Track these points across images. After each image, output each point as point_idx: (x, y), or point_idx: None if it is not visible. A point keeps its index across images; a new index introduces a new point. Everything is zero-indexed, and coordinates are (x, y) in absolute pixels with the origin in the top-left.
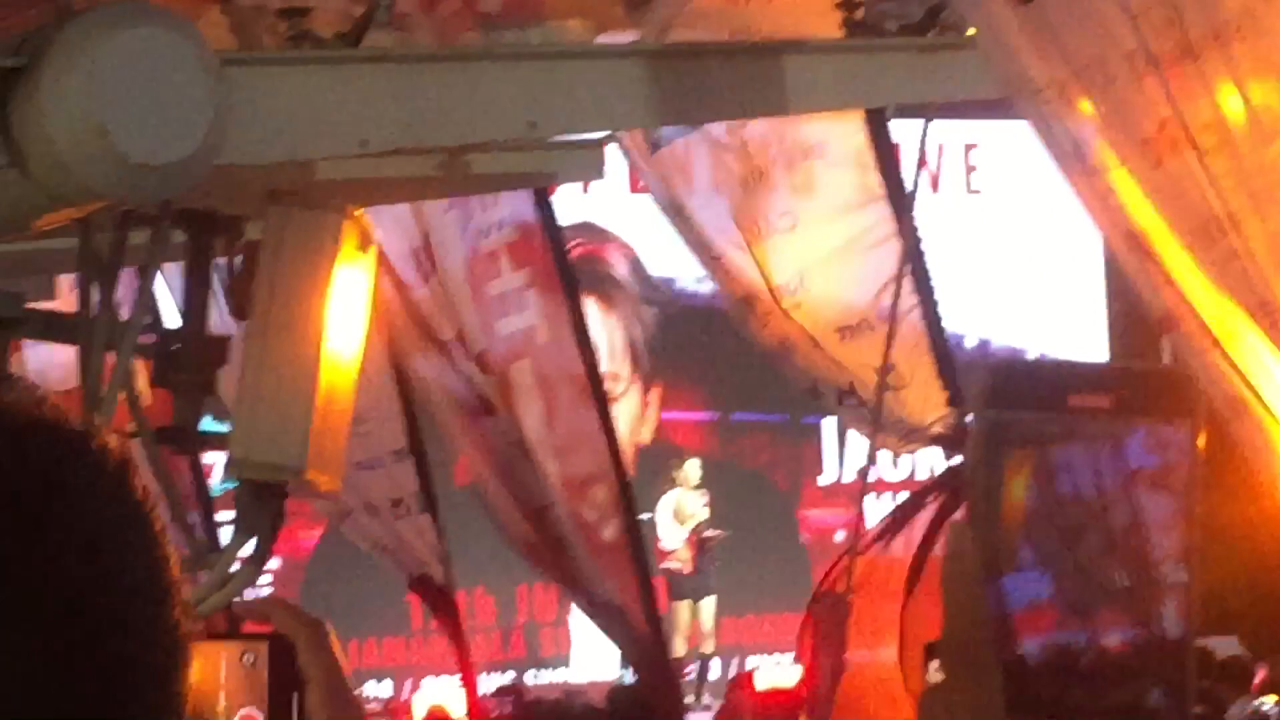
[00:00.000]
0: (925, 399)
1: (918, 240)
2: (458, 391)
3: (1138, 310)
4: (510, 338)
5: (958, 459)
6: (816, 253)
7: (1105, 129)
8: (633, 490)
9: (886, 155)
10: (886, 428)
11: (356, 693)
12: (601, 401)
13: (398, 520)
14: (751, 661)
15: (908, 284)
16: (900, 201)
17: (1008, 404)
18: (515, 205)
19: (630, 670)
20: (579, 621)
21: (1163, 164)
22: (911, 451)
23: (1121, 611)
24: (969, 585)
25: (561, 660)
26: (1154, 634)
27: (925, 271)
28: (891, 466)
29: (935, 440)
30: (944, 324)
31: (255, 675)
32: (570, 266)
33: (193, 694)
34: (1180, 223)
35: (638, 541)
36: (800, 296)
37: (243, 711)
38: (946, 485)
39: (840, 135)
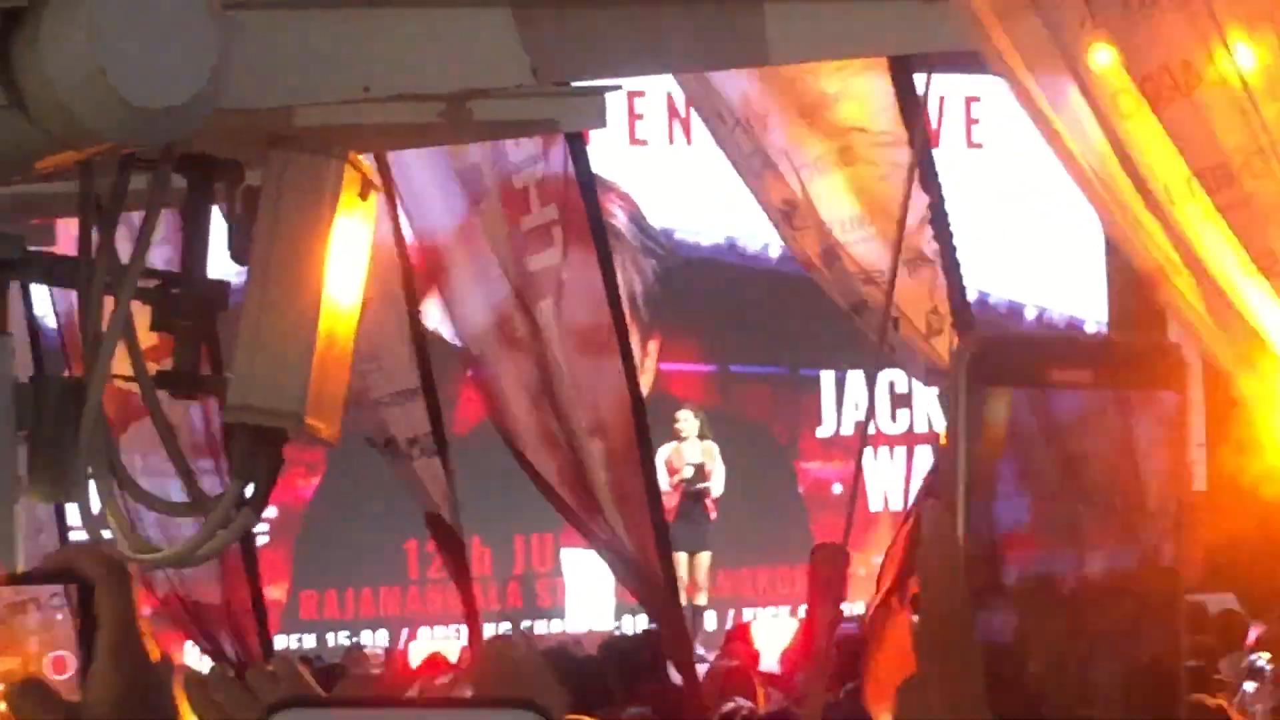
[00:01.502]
0: (946, 346)
1: (940, 190)
2: (485, 324)
3: (1134, 266)
4: (538, 274)
5: None
6: (861, 194)
7: (1120, 64)
8: (650, 439)
9: (910, 105)
10: (914, 367)
11: (150, 641)
12: (625, 348)
13: (414, 460)
14: (747, 614)
15: (929, 233)
16: (923, 151)
17: (987, 380)
18: (546, 143)
19: (643, 619)
20: (574, 572)
21: (1173, 104)
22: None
23: (1109, 540)
24: (950, 575)
25: (558, 611)
26: (1143, 565)
27: (945, 222)
28: (890, 420)
29: None
30: (963, 275)
31: (64, 618)
32: (600, 212)
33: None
34: (1194, 164)
35: (654, 490)
36: (852, 234)
37: (52, 654)
38: None
39: (883, 82)
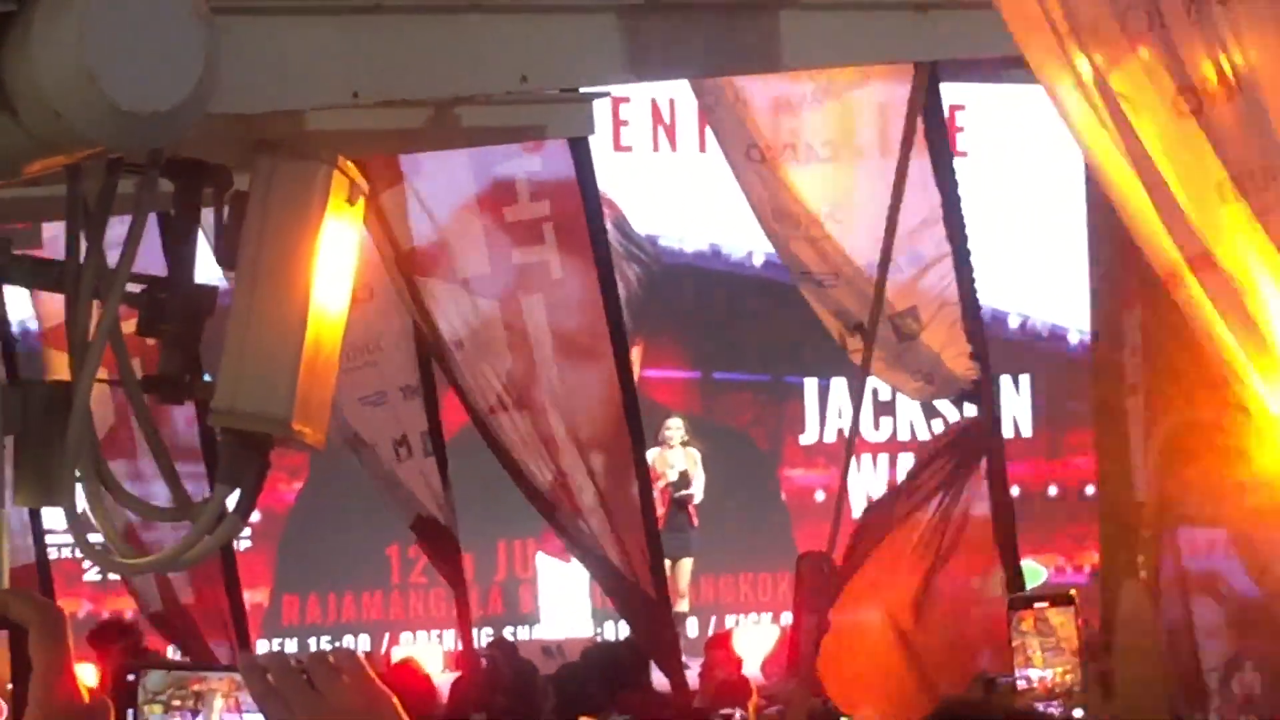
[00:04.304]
0: (948, 347)
1: (956, 191)
2: (463, 323)
3: (1118, 275)
4: (524, 268)
5: (972, 412)
6: (853, 187)
7: (1148, 73)
8: (644, 446)
9: (933, 104)
10: (907, 370)
11: (82, 685)
12: (622, 353)
13: (400, 462)
14: (729, 621)
15: (940, 231)
16: (941, 151)
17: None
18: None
19: (624, 625)
20: (549, 578)
21: (1203, 111)
22: (930, 399)
23: None
24: (1149, 656)
25: (537, 617)
26: None
27: (961, 222)
28: (873, 428)
29: (959, 392)
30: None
31: None
32: (601, 216)
33: None
34: (1230, 168)
35: (647, 498)
36: (830, 228)
37: None
38: (961, 444)
39: (885, 77)
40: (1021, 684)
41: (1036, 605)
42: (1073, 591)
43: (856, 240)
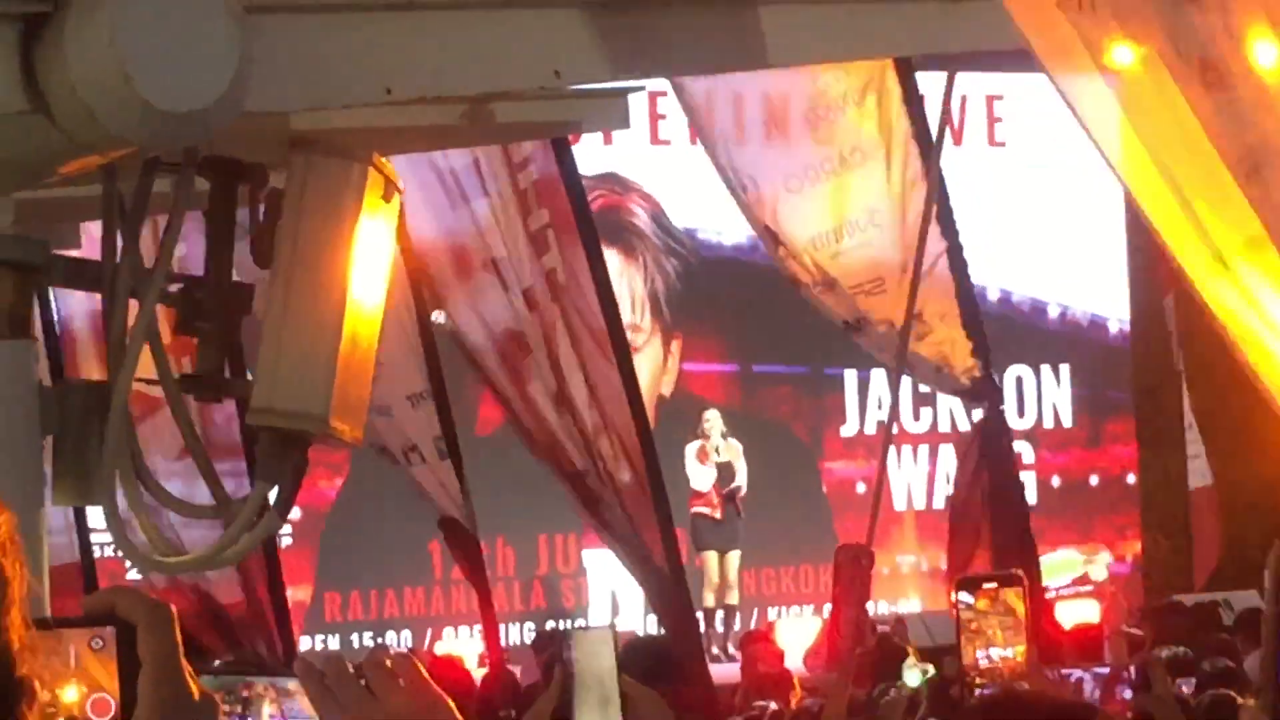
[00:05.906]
0: (951, 345)
1: (943, 188)
2: (496, 324)
3: (1156, 263)
4: (547, 276)
5: (980, 412)
6: (849, 203)
7: (1157, 54)
8: (654, 440)
9: (913, 102)
10: (916, 368)
11: (192, 678)
12: (623, 350)
13: (412, 467)
14: (771, 613)
15: (935, 231)
16: (926, 149)
17: None
18: (538, 147)
19: (656, 619)
20: (597, 572)
21: (1212, 92)
22: (945, 393)
23: None
24: None
25: (581, 611)
26: None
27: (951, 220)
28: (913, 419)
29: (961, 391)
30: (970, 272)
31: (105, 660)
32: (590, 215)
33: (45, 680)
34: (1229, 152)
35: (660, 491)
36: (837, 246)
37: (95, 696)
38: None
39: (868, 83)
40: (984, 663)
41: (986, 586)
42: (1020, 573)
43: (850, 257)
